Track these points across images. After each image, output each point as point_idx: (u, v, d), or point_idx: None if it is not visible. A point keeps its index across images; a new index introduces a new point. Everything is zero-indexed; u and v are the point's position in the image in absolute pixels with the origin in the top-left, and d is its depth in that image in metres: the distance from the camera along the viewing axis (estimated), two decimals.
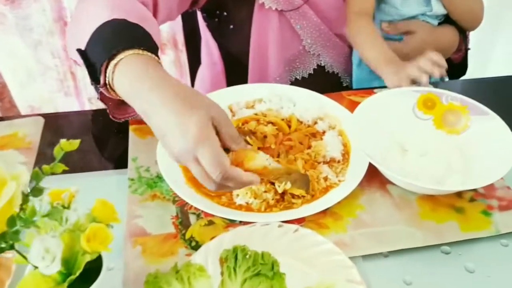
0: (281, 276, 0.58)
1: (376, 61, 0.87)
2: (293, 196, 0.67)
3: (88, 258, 0.49)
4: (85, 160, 0.78)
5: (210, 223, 0.67)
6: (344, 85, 1.05)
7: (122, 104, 0.67)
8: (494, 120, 0.73)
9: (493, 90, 1.00)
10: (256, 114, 0.79)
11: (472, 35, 1.10)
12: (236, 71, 1.04)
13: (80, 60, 0.66)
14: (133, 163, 0.76)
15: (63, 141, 0.46)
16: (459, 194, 0.71)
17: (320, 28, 0.96)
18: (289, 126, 0.78)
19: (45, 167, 0.46)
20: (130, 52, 0.61)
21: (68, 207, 0.51)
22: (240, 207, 0.67)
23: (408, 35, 0.95)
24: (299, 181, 0.66)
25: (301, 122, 0.80)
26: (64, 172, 0.72)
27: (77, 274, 0.50)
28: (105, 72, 0.62)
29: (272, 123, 0.77)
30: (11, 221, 0.41)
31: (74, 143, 0.46)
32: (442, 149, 0.72)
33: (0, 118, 0.89)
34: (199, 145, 0.56)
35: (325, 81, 1.03)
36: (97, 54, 0.63)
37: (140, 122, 0.83)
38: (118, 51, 0.61)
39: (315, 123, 0.80)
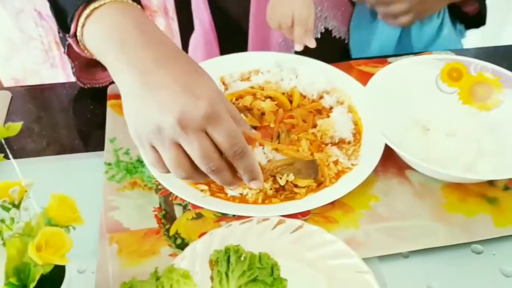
0: (282, 282, 0.49)
1: None
2: (295, 185, 0.57)
3: (40, 271, 0.39)
4: (53, 140, 0.67)
5: (199, 216, 0.57)
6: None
7: (90, 66, 0.57)
8: None
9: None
10: (252, 88, 0.68)
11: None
12: (233, 37, 0.92)
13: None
14: (111, 145, 0.65)
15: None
16: (491, 181, 0.60)
17: None
18: (291, 102, 0.67)
19: None
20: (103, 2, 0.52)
21: (17, 206, 0.41)
22: (233, 199, 0.57)
23: None
24: (305, 170, 0.56)
25: (305, 97, 0.69)
26: (27, 155, 0.61)
27: (31, 287, 0.40)
28: (78, 20, 0.53)
29: (271, 98, 0.66)
30: None
31: (15, 127, 0.36)
32: (469, 128, 0.62)
33: None
34: (214, 115, 0.45)
35: (333, 48, 0.91)
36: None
37: (119, 96, 0.72)
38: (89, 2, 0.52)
39: (321, 97, 0.69)
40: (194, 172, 0.48)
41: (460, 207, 0.58)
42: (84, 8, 0.53)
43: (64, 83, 0.78)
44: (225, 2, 0.93)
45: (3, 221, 0.39)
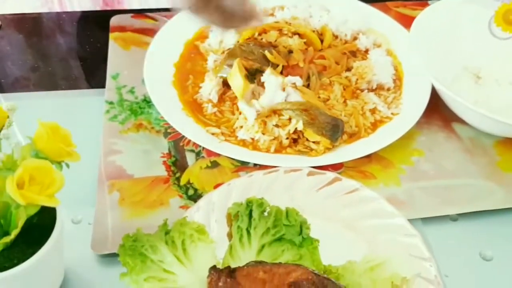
0: (313, 243, 0.41)
1: None
2: (315, 141, 0.49)
3: (25, 216, 0.31)
4: (46, 74, 0.59)
5: (214, 165, 0.49)
6: None
7: None
8: None
9: None
10: (277, 22, 0.59)
11: None
12: None
13: None
14: (113, 82, 0.57)
15: None
16: None
17: None
18: (321, 41, 0.58)
19: None
20: None
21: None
22: (243, 144, 0.49)
23: None
24: (320, 124, 0.48)
25: (337, 37, 0.61)
26: (15, 89, 0.54)
27: (12, 236, 0.32)
28: None
29: (299, 34, 0.57)
30: None
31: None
32: None
33: None
34: None
35: None
36: None
37: (123, 28, 0.64)
38: None
39: (355, 38, 0.61)
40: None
41: None
42: None
43: (61, 13, 0.69)
44: None
45: None
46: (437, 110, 0.54)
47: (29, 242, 0.35)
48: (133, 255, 0.39)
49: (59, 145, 0.32)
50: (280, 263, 0.39)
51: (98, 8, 0.79)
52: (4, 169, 0.31)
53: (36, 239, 0.35)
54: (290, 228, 0.42)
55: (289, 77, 0.51)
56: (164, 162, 0.50)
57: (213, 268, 0.38)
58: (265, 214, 0.43)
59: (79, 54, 0.63)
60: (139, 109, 0.55)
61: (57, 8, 1.80)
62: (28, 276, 0.35)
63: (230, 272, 0.37)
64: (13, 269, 0.33)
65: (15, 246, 0.34)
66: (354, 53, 0.59)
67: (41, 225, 0.36)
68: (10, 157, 0.32)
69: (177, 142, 0.51)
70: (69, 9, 1.81)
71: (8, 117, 0.33)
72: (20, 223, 0.32)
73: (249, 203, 0.43)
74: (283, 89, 0.50)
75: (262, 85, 0.51)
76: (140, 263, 0.38)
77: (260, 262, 0.39)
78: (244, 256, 0.41)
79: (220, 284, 0.37)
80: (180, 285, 0.39)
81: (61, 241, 0.37)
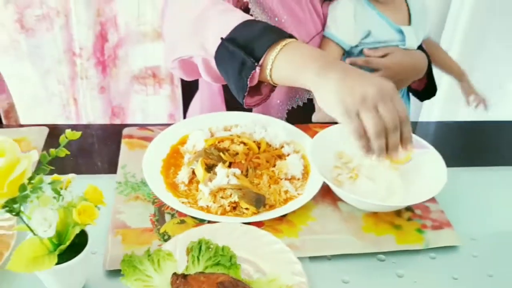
0: (237, 267, 0.69)
1: None
2: (245, 208, 0.79)
3: (77, 230, 0.60)
4: (82, 164, 0.90)
5: (182, 222, 0.78)
6: None
7: (255, 92, 0.82)
8: (433, 153, 0.86)
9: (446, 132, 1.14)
10: (231, 135, 0.92)
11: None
12: (237, 101, 1.16)
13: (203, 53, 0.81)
14: (122, 170, 0.88)
15: (68, 130, 0.58)
16: (398, 214, 0.82)
17: None
18: (259, 148, 0.91)
19: (52, 150, 0.58)
20: (291, 40, 0.75)
21: (65, 188, 0.62)
22: (201, 209, 0.79)
23: (388, 55, 1.10)
24: (248, 198, 0.78)
25: (270, 145, 0.92)
26: (63, 173, 0.84)
27: (67, 244, 0.61)
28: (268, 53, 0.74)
29: (244, 143, 0.89)
30: (22, 187, 0.53)
31: (77, 134, 0.58)
32: (387, 176, 0.85)
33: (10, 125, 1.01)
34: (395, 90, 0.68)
35: (314, 112, 1.16)
36: (256, 41, 0.75)
37: (131, 136, 0.96)
38: (282, 39, 0.75)
39: (282, 147, 0.92)
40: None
41: (373, 229, 0.79)
42: (275, 46, 0.74)
43: (88, 125, 1.02)
44: None
45: (55, 197, 0.61)
46: (329, 193, 0.84)
47: (72, 251, 0.63)
48: (128, 266, 0.66)
49: (96, 197, 0.62)
50: (213, 273, 0.67)
51: (108, 117, 1.08)
52: (70, 206, 0.60)
53: (76, 250, 0.63)
54: (223, 257, 0.70)
55: (232, 169, 0.82)
56: (151, 219, 0.78)
57: (174, 274, 0.65)
58: (210, 249, 0.71)
59: (101, 152, 0.95)
60: (137, 187, 0.85)
61: (73, 117, 2.17)
62: (71, 270, 0.62)
63: (184, 276, 0.65)
64: (64, 263, 0.61)
65: (65, 252, 0.62)
66: (280, 156, 0.90)
67: (78, 243, 0.64)
68: (72, 202, 0.61)
69: (160, 208, 0.81)
70: (84, 118, 2.19)
71: (70, 181, 0.63)
72: (72, 236, 0.61)
73: (200, 241, 0.71)
74: (227, 176, 0.81)
75: (215, 173, 0.82)
76: (132, 270, 0.66)
77: (202, 272, 0.67)
78: (194, 271, 0.69)
79: (177, 282, 0.64)
80: (155, 284, 0.66)
81: (88, 255, 0.65)
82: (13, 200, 0.54)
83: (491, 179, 0.94)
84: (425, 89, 1.24)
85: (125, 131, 0.97)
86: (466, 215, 0.84)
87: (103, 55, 1.85)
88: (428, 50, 1.21)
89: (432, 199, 0.84)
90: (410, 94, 1.29)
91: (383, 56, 1.11)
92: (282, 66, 0.75)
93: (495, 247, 0.79)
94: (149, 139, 0.93)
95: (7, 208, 0.54)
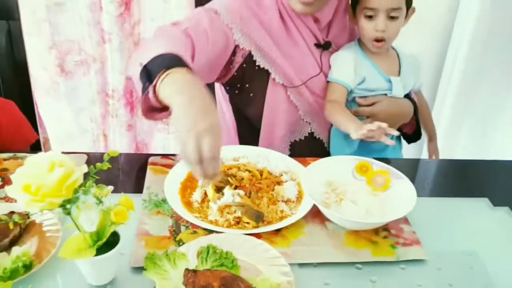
0: (237, 268, 0.85)
1: (345, 123, 1.18)
2: (246, 223, 0.96)
3: (113, 228, 0.77)
4: (115, 184, 1.08)
5: (195, 232, 0.95)
6: (328, 150, 1.36)
7: (152, 111, 0.98)
8: (407, 182, 1.02)
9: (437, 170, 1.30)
10: (238, 164, 1.10)
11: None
12: (248, 132, 1.34)
13: (135, 73, 0.97)
14: (147, 190, 1.06)
15: (110, 150, 0.77)
16: (376, 233, 0.97)
17: (311, 104, 1.29)
18: (261, 175, 1.08)
19: (98, 164, 0.76)
20: (174, 69, 0.91)
21: (105, 196, 0.80)
22: (211, 222, 0.96)
23: (376, 103, 1.28)
24: (249, 214, 0.95)
25: (271, 174, 1.10)
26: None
27: (104, 240, 0.78)
28: (158, 79, 0.90)
29: (249, 171, 1.07)
30: (75, 190, 0.71)
31: (116, 152, 0.77)
32: (367, 200, 1.01)
33: None
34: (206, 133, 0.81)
35: (314, 145, 1.34)
36: (156, 67, 0.92)
37: (155, 163, 1.15)
38: (169, 68, 0.90)
39: (281, 175, 1.09)
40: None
41: (354, 243, 0.94)
42: (164, 72, 0.89)
43: (121, 153, 1.20)
44: (246, 106, 1.36)
45: (97, 203, 0.79)
46: (318, 214, 1.00)
47: (106, 249, 0.80)
48: (150, 262, 0.83)
49: (128, 204, 0.79)
50: (217, 269, 0.83)
51: (132, 151, 1.25)
52: (108, 210, 0.78)
53: (109, 246, 0.80)
54: (227, 260, 0.86)
55: (237, 190, 1.00)
56: (169, 230, 0.95)
57: (186, 269, 0.81)
58: (216, 253, 0.87)
59: (131, 176, 1.13)
60: (159, 204, 1.02)
61: (102, 150, 2.39)
62: (105, 262, 0.79)
63: (194, 271, 0.81)
64: (100, 256, 0.78)
65: (101, 248, 0.79)
66: (278, 182, 1.08)
67: (112, 242, 0.81)
68: (109, 207, 0.79)
69: (177, 221, 0.98)
70: (112, 148, 2.36)
71: (109, 192, 0.81)
72: (108, 234, 0.78)
73: (208, 246, 0.87)
74: (233, 196, 0.98)
75: (223, 194, 0.99)
76: (153, 266, 0.82)
77: (208, 269, 0.83)
78: (203, 269, 0.85)
79: (189, 276, 0.81)
80: (170, 277, 0.82)
81: (118, 252, 0.82)
82: (68, 201, 0.72)
83: (456, 207, 1.10)
84: (413, 133, 1.40)
85: (151, 159, 1.16)
86: (434, 236, 0.99)
87: (131, 97, 2.08)
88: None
89: (406, 221, 1.00)
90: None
91: (371, 104, 1.29)
92: (163, 89, 0.90)
93: (456, 262, 0.93)
94: (170, 166, 1.12)
95: (63, 207, 0.72)
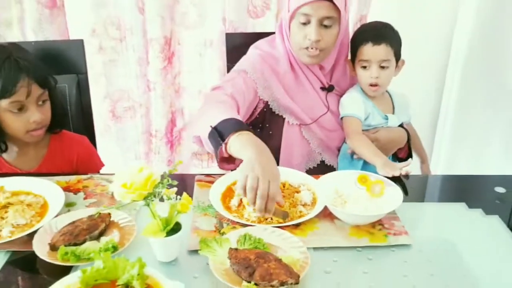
0: (267, 249, 1.15)
1: (371, 157, 1.49)
2: (272, 219, 1.26)
3: (178, 217, 1.09)
4: None
5: (234, 227, 1.25)
6: None
7: (225, 162, 1.31)
8: (396, 187, 1.31)
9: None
10: None
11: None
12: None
13: (203, 135, 1.31)
14: (196, 199, 1.37)
15: (178, 160, 1.09)
16: (373, 226, 1.26)
17: (321, 138, 1.61)
18: (284, 186, 1.39)
19: (169, 169, 1.09)
20: (242, 132, 1.23)
21: (171, 194, 1.12)
22: (246, 220, 1.26)
23: (377, 132, 1.59)
24: (278, 213, 1.25)
25: (291, 185, 1.41)
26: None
27: (171, 225, 1.10)
28: (229, 137, 1.21)
29: None
30: (156, 186, 1.03)
31: (180, 161, 1.10)
32: (366, 203, 1.30)
33: None
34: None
35: (326, 171, 1.64)
36: (227, 130, 1.23)
37: (201, 180, 1.47)
38: (237, 130, 1.22)
39: (299, 186, 1.40)
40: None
41: (356, 234, 1.23)
42: (234, 133, 1.20)
43: (175, 174, 1.53)
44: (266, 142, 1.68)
45: (167, 199, 1.10)
46: (329, 213, 1.30)
47: (172, 233, 1.11)
48: (204, 243, 1.13)
49: (188, 201, 1.11)
50: (253, 249, 1.13)
51: None
52: (175, 204, 1.09)
53: (174, 232, 1.11)
54: (259, 244, 1.16)
55: None
56: (215, 226, 1.26)
57: (230, 248, 1.11)
58: (251, 239, 1.17)
59: (184, 189, 1.45)
60: (206, 209, 1.33)
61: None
62: (171, 242, 1.10)
63: (236, 249, 1.11)
64: (169, 237, 1.09)
65: (169, 232, 1.10)
66: (297, 191, 1.38)
67: (176, 229, 1.12)
68: (175, 203, 1.10)
69: (220, 220, 1.28)
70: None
71: (174, 192, 1.13)
72: (173, 222, 1.09)
73: (245, 234, 1.17)
74: None
75: None
76: (205, 246, 1.13)
77: (246, 248, 1.13)
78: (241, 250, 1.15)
79: (232, 252, 1.10)
80: (218, 254, 1.12)
81: (180, 237, 1.13)
82: (151, 193, 1.04)
83: (439, 209, 1.38)
84: (406, 157, 1.70)
85: (197, 177, 1.49)
86: (420, 230, 1.27)
87: (171, 136, 2.43)
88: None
89: (396, 218, 1.28)
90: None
91: (374, 132, 1.61)
92: (233, 145, 1.21)
93: (436, 246, 1.20)
94: (211, 182, 1.44)
95: (147, 199, 1.04)
